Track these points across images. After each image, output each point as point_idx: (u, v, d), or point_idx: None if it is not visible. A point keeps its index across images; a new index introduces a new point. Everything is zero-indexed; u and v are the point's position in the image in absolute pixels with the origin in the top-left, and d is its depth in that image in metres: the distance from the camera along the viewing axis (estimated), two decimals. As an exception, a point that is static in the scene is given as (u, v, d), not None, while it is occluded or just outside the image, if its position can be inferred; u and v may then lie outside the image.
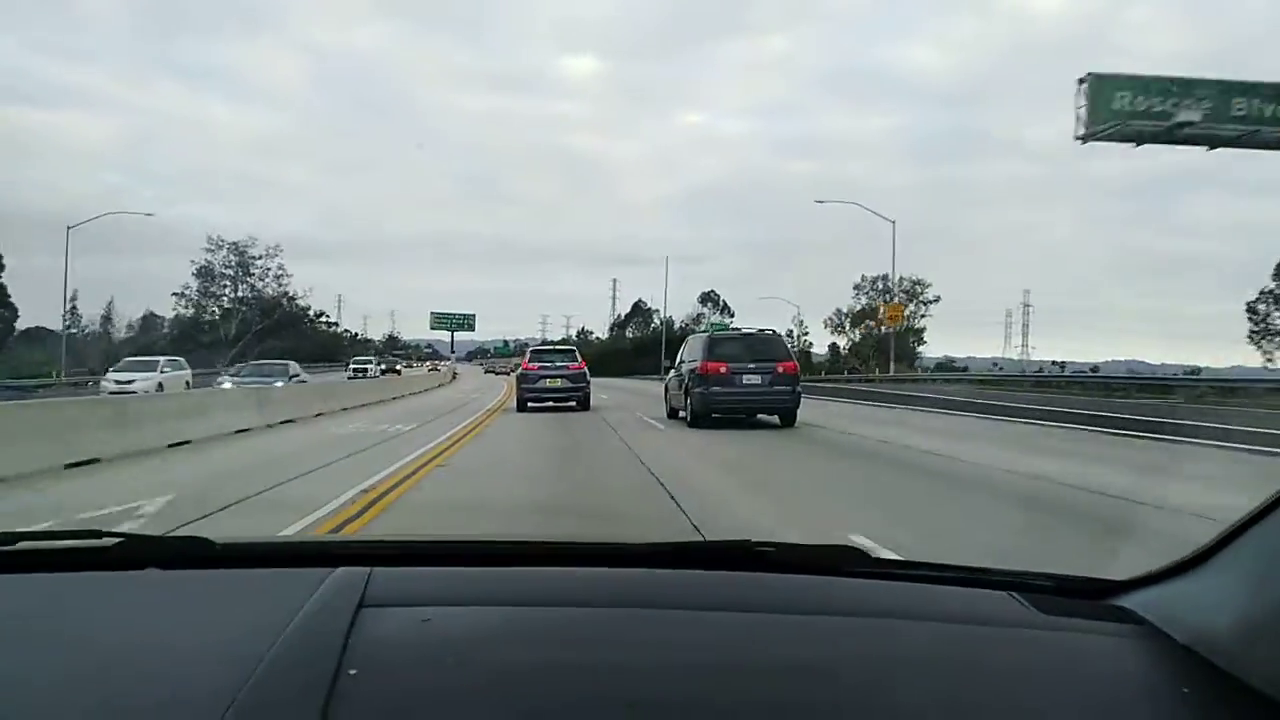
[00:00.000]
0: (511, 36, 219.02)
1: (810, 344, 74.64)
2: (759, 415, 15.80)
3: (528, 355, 21.47)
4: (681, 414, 16.83)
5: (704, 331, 17.30)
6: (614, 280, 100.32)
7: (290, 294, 73.48)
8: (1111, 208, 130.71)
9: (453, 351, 69.83)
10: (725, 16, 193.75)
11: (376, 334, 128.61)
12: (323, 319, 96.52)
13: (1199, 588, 0.97)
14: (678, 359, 18.10)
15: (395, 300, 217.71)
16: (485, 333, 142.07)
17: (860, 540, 4.77)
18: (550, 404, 19.53)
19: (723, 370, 15.27)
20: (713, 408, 15.22)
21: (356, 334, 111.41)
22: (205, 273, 65.82)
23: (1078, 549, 5.60)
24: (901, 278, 69.63)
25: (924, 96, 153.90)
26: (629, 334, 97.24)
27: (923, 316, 69.13)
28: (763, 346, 15.82)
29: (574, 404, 19.43)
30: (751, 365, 15.32)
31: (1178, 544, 1.07)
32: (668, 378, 19.05)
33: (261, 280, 66.04)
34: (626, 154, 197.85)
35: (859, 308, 70.35)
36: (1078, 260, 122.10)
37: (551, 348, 22.31)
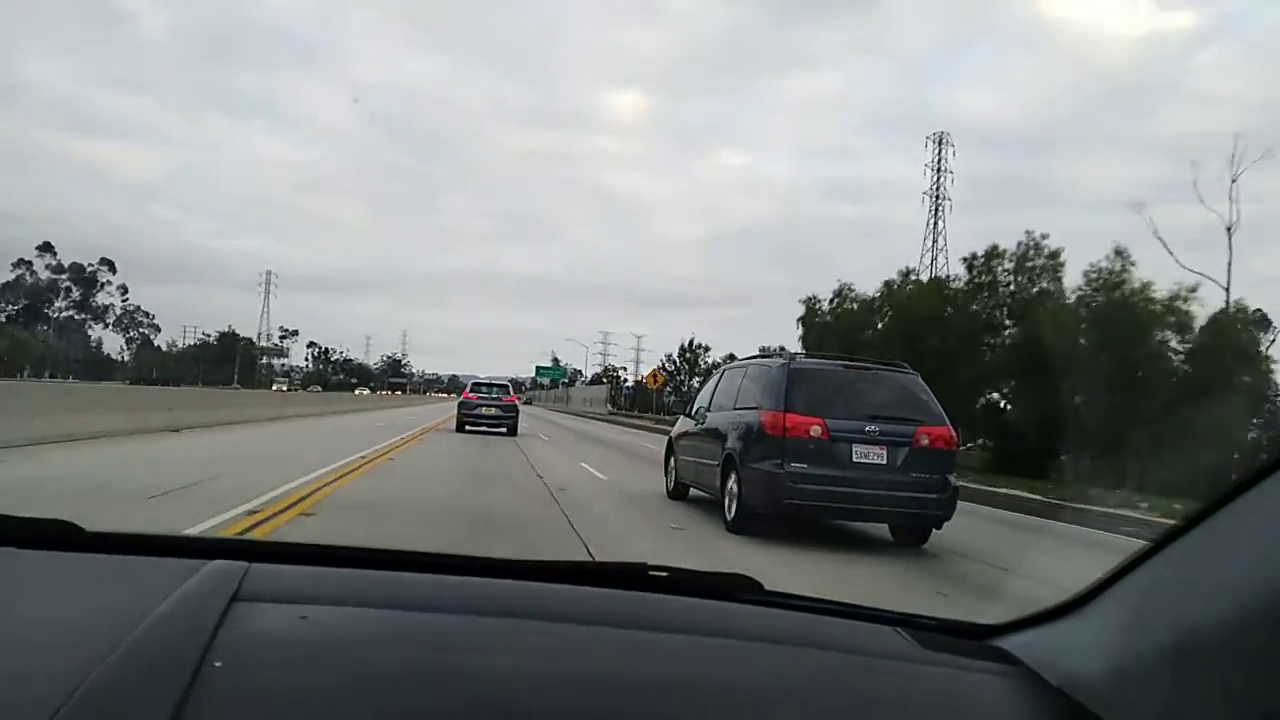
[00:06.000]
0: (556, 69, 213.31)
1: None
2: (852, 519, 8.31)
3: (469, 387, 24.96)
4: (699, 494, 9.45)
5: (772, 357, 9.31)
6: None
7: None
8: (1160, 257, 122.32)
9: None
10: (776, 51, 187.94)
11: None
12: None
13: (1072, 632, 1.00)
14: (699, 402, 10.57)
15: (432, 335, 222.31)
16: (518, 369, 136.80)
17: None
18: (484, 428, 23.30)
19: (814, 432, 7.78)
20: (789, 501, 7.72)
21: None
22: None
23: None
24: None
25: (979, 141, 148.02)
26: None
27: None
28: (892, 393, 8.30)
29: (504, 429, 23.38)
30: (871, 428, 7.86)
31: None
32: (675, 430, 11.41)
33: None
34: (668, 193, 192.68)
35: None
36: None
37: (490, 382, 25.32)
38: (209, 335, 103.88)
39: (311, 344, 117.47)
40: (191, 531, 6.00)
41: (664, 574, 1.22)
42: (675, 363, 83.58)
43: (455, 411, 24.65)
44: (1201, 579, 0.81)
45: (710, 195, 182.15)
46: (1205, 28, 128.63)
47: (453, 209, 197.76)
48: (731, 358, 11.02)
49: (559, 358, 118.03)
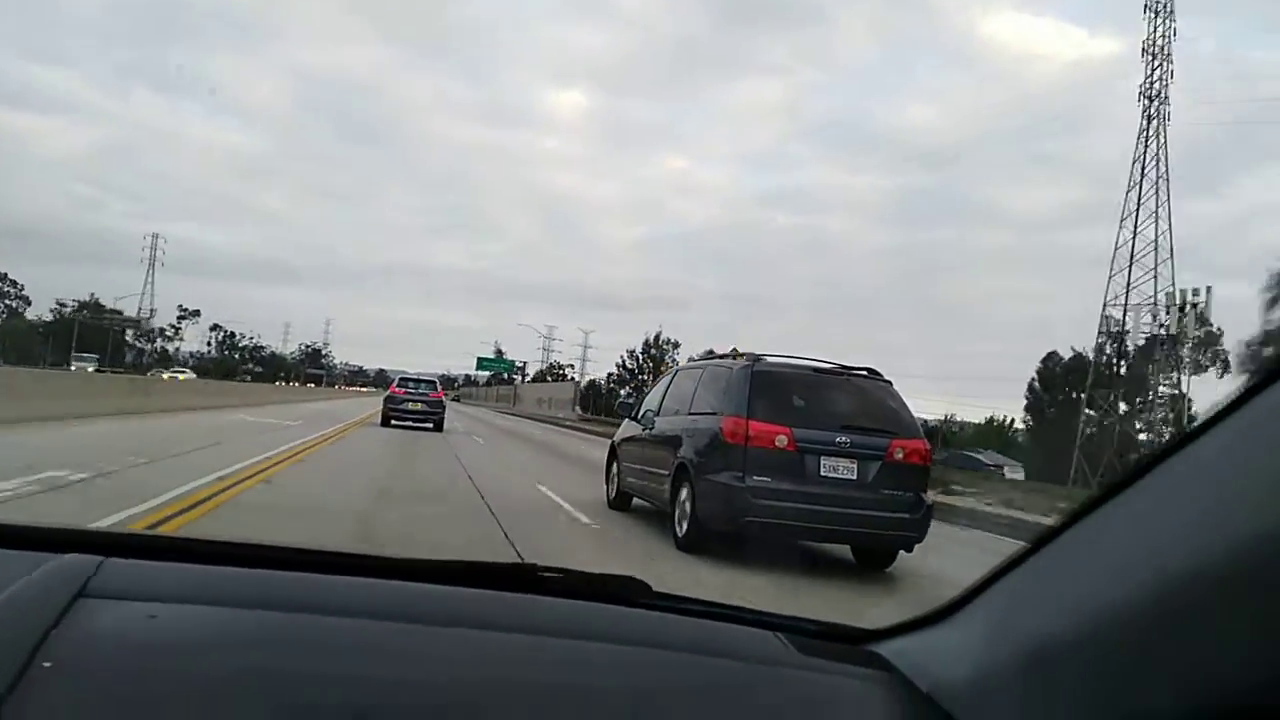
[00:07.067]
0: (500, 65, 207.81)
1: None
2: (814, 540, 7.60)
3: (395, 382, 25.80)
4: (644, 504, 8.73)
5: (731, 359, 8.28)
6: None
7: None
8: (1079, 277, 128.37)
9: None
10: (721, 57, 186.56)
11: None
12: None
13: (944, 638, 1.01)
14: (647, 405, 9.82)
15: (363, 327, 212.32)
16: (450, 365, 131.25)
17: None
18: (410, 423, 23.21)
19: (780, 443, 7.05)
20: (749, 518, 6.98)
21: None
22: None
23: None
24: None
25: (913, 156, 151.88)
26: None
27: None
28: (864, 402, 7.62)
29: (430, 425, 23.33)
30: (841, 439, 7.16)
31: None
32: (618, 435, 10.60)
33: None
34: (609, 194, 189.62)
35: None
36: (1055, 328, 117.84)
37: (417, 378, 26.34)
38: (65, 306, 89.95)
39: (215, 327, 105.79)
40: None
41: (554, 574, 1.20)
42: (638, 360, 73.25)
43: (354, 418, 24.33)
44: (1060, 587, 0.82)
45: (652, 199, 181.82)
46: (1131, 58, 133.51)
47: (390, 201, 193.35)
48: (711, 354, 10.24)
49: (503, 349, 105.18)
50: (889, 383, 7.82)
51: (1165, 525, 0.70)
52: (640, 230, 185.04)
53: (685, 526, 7.56)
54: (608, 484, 10.45)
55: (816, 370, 7.78)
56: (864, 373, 7.81)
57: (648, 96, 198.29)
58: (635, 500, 9.69)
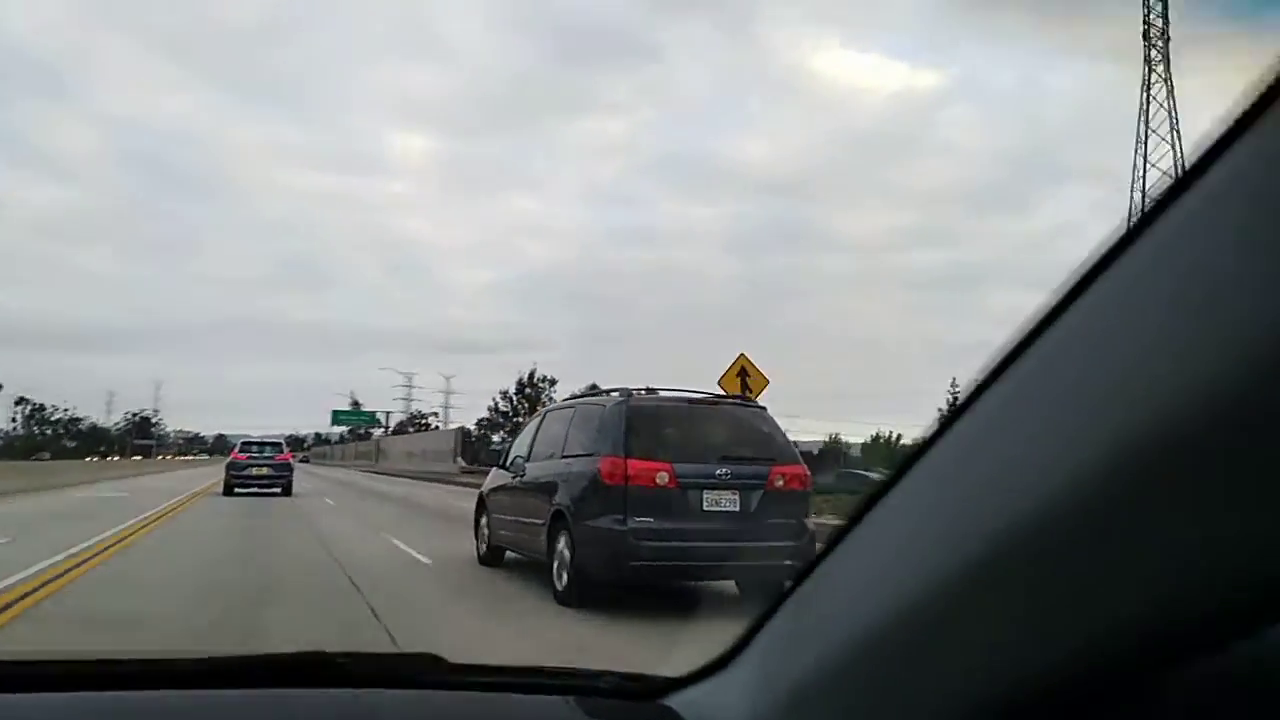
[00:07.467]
0: (337, 110, 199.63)
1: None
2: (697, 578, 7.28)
3: (237, 447, 24.33)
4: (518, 557, 8.37)
5: (603, 396, 8.31)
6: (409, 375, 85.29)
7: None
8: (918, 297, 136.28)
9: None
10: (561, 95, 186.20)
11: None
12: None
13: (725, 685, 0.97)
14: (515, 451, 9.34)
15: (198, 390, 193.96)
16: (300, 424, 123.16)
17: None
18: (255, 489, 22.25)
19: (661, 480, 6.71)
20: (634, 563, 6.60)
21: None
22: None
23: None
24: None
25: (753, 187, 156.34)
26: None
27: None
28: (740, 430, 7.40)
29: (278, 490, 22.46)
30: (722, 471, 6.89)
31: None
32: (486, 485, 10.04)
33: None
34: (459, 237, 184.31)
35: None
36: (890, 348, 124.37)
37: (261, 441, 24.65)
38: None
39: (21, 400, 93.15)
40: None
41: (345, 660, 1.14)
42: (512, 401, 67.74)
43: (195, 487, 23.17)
44: (829, 609, 0.78)
45: (503, 240, 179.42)
46: (948, 88, 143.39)
47: (220, 254, 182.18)
48: (594, 388, 9.87)
49: (360, 401, 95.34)
50: (762, 408, 7.65)
51: (917, 526, 0.66)
52: (493, 273, 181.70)
53: (565, 578, 7.09)
54: (477, 540, 9.85)
55: (691, 401, 7.53)
56: (737, 399, 7.61)
57: (492, 138, 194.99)
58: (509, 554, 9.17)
